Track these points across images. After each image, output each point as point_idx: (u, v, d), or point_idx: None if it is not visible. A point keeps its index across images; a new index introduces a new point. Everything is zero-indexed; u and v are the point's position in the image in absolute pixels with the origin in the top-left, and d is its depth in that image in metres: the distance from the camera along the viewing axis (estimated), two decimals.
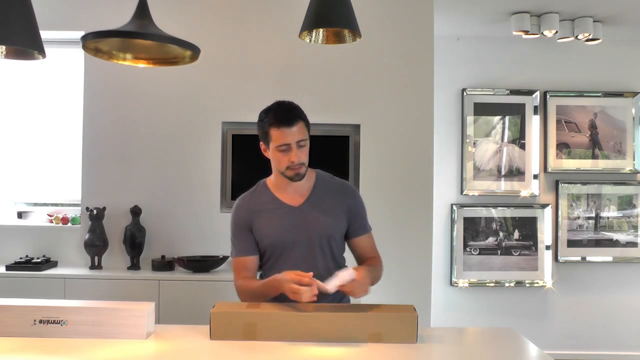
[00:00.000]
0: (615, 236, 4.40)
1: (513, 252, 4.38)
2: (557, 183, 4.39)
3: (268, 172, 2.17)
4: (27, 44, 1.82)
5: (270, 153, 2.07)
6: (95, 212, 3.43)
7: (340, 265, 2.17)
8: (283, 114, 2.01)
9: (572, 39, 3.97)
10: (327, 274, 2.08)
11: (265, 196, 2.13)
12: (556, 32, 3.89)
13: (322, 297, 1.94)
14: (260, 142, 2.10)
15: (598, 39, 3.99)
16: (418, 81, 3.62)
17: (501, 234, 4.38)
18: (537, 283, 4.36)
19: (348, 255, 2.23)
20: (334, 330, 1.78)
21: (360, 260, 2.21)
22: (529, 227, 4.39)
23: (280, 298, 2.15)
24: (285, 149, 2.00)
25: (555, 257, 4.38)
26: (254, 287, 2.06)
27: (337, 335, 1.78)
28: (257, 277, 2.17)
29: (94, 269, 3.44)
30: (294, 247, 2.08)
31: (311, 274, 1.86)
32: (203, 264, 3.39)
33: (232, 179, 3.61)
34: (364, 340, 1.77)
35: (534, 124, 4.38)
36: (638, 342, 4.37)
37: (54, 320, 1.81)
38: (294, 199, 2.10)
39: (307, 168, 2.08)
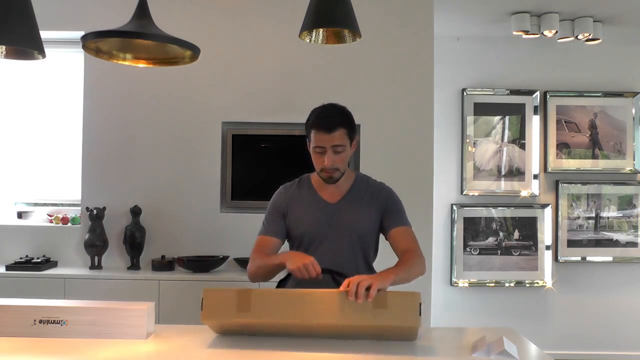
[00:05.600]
0: (615, 236, 4.40)
1: (513, 252, 4.38)
2: (557, 183, 4.39)
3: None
4: (27, 44, 1.83)
5: (310, 151, 2.12)
6: (95, 212, 3.43)
7: (370, 265, 2.20)
8: (324, 118, 2.04)
9: (572, 39, 3.97)
10: (354, 272, 2.09)
11: (306, 189, 2.20)
12: (556, 32, 3.89)
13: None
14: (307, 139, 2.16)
15: (598, 39, 3.99)
16: (418, 81, 3.61)
17: (501, 234, 4.38)
18: (537, 283, 4.36)
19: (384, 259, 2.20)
20: (332, 310, 1.71)
21: (399, 254, 2.15)
22: (529, 227, 4.38)
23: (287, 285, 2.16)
24: (321, 152, 2.06)
25: (555, 257, 4.38)
26: (266, 257, 2.10)
27: (335, 319, 1.71)
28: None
29: (94, 269, 3.44)
30: (323, 241, 2.12)
31: (319, 270, 1.89)
32: (203, 264, 3.39)
33: (232, 179, 3.60)
34: (364, 337, 1.76)
35: (534, 124, 4.38)
36: (638, 342, 4.37)
37: (54, 320, 1.80)
38: (332, 196, 2.16)
39: (343, 173, 2.11)
